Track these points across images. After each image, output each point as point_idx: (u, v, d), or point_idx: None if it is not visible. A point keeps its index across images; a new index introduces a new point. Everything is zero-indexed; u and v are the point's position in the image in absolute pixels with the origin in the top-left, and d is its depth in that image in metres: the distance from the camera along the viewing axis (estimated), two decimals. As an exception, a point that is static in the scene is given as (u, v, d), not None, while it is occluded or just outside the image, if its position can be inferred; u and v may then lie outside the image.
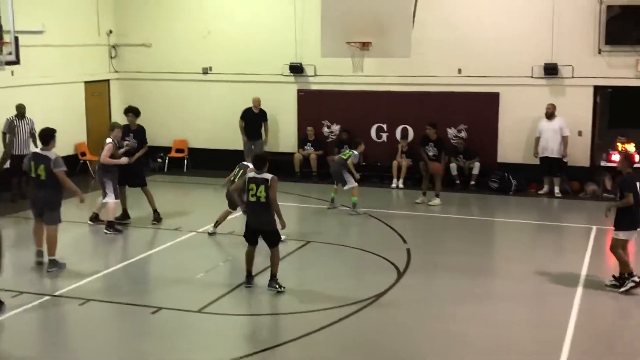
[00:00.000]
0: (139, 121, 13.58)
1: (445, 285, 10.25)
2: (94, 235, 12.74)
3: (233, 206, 12.07)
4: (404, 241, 12.23)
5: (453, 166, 16.33)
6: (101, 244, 12.33)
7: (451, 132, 16.68)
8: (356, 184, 14.01)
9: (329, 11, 14.11)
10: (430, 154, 14.94)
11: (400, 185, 16.44)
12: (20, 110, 14.95)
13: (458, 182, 16.38)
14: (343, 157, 14.21)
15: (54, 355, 8.07)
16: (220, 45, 18.07)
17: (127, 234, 12.81)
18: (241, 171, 11.67)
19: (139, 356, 7.94)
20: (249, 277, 9.95)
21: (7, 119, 14.87)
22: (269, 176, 9.56)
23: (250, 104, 17.31)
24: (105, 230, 12.50)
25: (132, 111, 13.55)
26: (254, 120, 17.35)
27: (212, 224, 12.44)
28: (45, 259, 10.69)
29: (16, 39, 12.11)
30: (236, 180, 11.38)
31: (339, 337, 8.48)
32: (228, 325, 8.92)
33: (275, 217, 9.68)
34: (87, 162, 17.64)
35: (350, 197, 14.01)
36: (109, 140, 12.60)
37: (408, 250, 11.65)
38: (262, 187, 9.48)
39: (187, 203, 15.53)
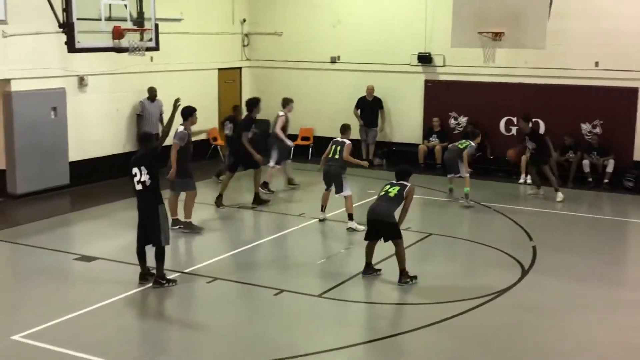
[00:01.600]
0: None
1: (571, 286, 9.86)
2: (219, 215, 13.18)
3: (329, 184, 12.51)
4: (530, 238, 11.88)
5: (586, 163, 15.68)
6: (229, 225, 12.75)
7: (585, 127, 16.02)
8: (467, 175, 13.74)
9: (460, 0, 13.87)
10: (530, 147, 14.46)
11: (529, 181, 15.95)
12: (152, 93, 15.88)
13: (590, 179, 15.71)
14: (460, 146, 13.96)
15: (179, 330, 8.45)
16: (349, 34, 18.16)
17: (254, 217, 13.18)
18: (336, 147, 12.30)
19: (260, 336, 8.16)
20: (368, 267, 9.99)
21: (140, 102, 15.84)
22: (408, 184, 9.88)
23: (373, 93, 17.56)
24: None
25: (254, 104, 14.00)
26: (368, 108, 17.62)
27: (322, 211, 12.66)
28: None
29: (156, 26, 12.60)
30: (336, 156, 12.21)
31: (458, 331, 8.36)
32: (347, 312, 9.01)
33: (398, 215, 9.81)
34: (218, 147, 18.23)
35: (463, 187, 13.79)
36: (281, 113, 14.04)
37: (534, 248, 11.31)
38: (396, 187, 9.82)
39: (311, 190, 15.75)
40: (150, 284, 9.44)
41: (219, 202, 13.46)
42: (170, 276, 9.66)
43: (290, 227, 12.39)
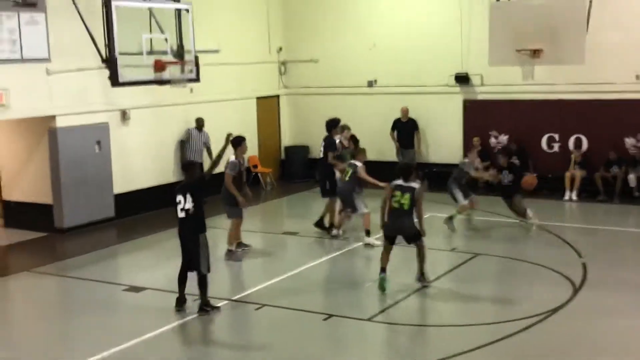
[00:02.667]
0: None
1: (625, 302, 9.66)
2: (264, 242, 13.21)
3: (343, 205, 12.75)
4: (579, 255, 11.68)
5: (631, 177, 15.41)
6: (274, 251, 12.77)
7: (629, 141, 15.78)
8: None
9: (497, 19, 13.84)
10: (506, 180, 13.48)
11: (574, 198, 15.73)
12: (200, 123, 16.20)
13: (638, 194, 15.44)
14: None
15: (230, 358, 8.45)
16: (385, 57, 18.21)
17: (299, 242, 13.19)
18: (349, 169, 12.32)
19: (311, 361, 8.13)
20: (383, 271, 10.15)
21: (187, 129, 16.17)
22: (415, 185, 9.94)
23: (410, 114, 17.59)
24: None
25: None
26: (404, 130, 17.67)
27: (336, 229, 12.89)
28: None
29: (196, 58, 12.83)
30: (346, 178, 12.37)
31: (512, 352, 8.22)
32: (397, 336, 8.94)
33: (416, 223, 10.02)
34: (259, 174, 18.36)
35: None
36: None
37: (584, 265, 11.12)
38: (407, 195, 9.87)
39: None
40: (185, 311, 9.50)
41: (321, 224, 13.36)
42: (218, 304, 9.70)
43: (335, 251, 12.36)
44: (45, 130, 13.91)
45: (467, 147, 17.24)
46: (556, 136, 16.46)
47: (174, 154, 16.23)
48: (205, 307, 9.48)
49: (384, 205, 10.22)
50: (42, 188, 14.12)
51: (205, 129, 16.23)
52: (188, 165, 10.09)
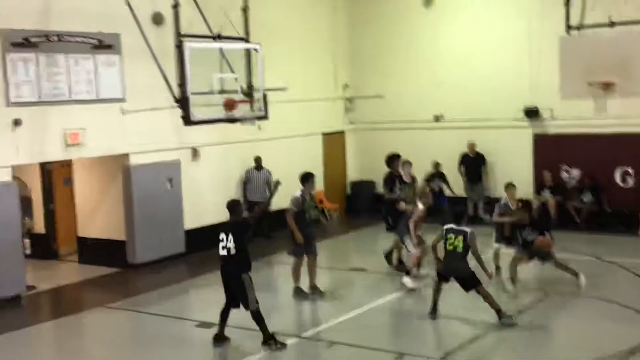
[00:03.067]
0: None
1: None
2: (331, 279, 13.17)
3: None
4: (658, 294, 11.29)
5: None
6: (342, 287, 12.71)
7: None
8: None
9: (567, 52, 13.66)
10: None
11: (651, 234, 15.25)
12: (258, 162, 16.35)
13: None
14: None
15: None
16: (452, 91, 18.13)
17: (369, 277, 13.11)
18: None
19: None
20: (434, 308, 10.38)
21: (247, 170, 16.31)
22: (467, 229, 10.20)
23: (477, 149, 17.50)
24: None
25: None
26: (471, 165, 17.52)
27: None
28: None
29: (265, 96, 13.03)
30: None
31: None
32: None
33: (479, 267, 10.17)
34: (324, 209, 18.39)
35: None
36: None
37: (664, 304, 10.73)
38: (460, 238, 10.16)
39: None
40: (220, 348, 9.70)
41: (389, 258, 13.30)
42: (288, 341, 9.68)
43: (403, 288, 12.23)
44: (119, 168, 14.30)
45: (538, 182, 16.96)
46: (631, 170, 16.04)
47: (240, 192, 16.34)
48: (268, 340, 9.48)
49: (435, 249, 10.67)
50: (116, 224, 14.45)
51: (270, 164, 16.37)
52: (231, 204, 10.12)
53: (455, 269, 10.25)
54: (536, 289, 11.76)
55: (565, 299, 11.40)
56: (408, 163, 13.34)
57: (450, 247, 10.25)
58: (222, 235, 9.58)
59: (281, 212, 12.28)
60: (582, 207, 16.26)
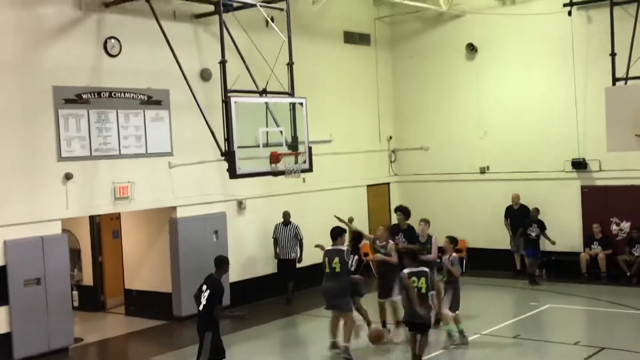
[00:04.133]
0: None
1: None
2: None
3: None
4: None
5: None
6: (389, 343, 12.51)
7: None
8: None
9: (613, 103, 13.57)
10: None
11: None
12: (286, 218, 15.83)
13: None
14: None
15: None
16: (497, 143, 18.03)
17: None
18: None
19: None
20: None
21: (275, 226, 15.83)
22: (427, 270, 10.44)
23: (524, 201, 17.24)
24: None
25: (401, 210, 13.78)
26: (516, 217, 17.20)
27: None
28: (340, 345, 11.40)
29: (309, 149, 13.11)
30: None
31: None
32: None
33: None
34: (369, 262, 18.24)
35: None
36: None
37: None
38: (422, 279, 10.29)
39: (470, 305, 15.26)
40: None
41: None
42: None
43: (450, 344, 12.00)
44: (166, 220, 14.48)
45: (587, 234, 16.63)
46: (682, 223, 15.65)
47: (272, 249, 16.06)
48: None
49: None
50: (162, 277, 14.57)
51: (313, 217, 16.28)
52: (218, 260, 10.21)
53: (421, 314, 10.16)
54: (590, 345, 11.38)
55: (620, 354, 11.04)
56: (426, 222, 13.31)
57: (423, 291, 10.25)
58: (204, 287, 9.78)
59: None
60: (632, 260, 15.87)
